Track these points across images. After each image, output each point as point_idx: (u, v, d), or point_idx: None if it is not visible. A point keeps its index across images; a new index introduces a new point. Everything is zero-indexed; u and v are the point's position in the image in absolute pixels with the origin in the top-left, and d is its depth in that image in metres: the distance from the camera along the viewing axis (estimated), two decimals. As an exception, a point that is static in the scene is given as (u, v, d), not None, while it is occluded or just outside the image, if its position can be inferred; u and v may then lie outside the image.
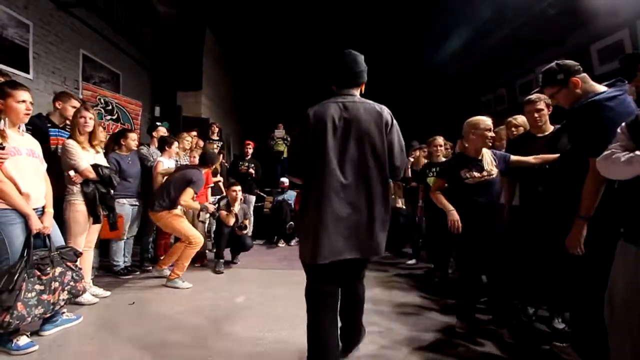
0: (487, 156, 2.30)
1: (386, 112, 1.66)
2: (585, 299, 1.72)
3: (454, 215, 2.23)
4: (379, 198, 1.60)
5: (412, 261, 4.45)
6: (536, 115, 2.39)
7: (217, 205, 4.04)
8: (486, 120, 2.28)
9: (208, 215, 3.50)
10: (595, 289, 1.53)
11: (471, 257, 2.28)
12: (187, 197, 3.17)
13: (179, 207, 3.32)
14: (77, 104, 2.91)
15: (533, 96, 2.37)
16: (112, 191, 2.82)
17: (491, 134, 2.27)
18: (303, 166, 1.63)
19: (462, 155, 2.38)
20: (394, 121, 1.69)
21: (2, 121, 1.89)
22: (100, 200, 2.62)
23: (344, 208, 1.54)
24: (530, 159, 2.27)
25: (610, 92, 1.65)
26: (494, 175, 2.23)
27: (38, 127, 2.72)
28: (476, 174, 2.22)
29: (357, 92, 1.72)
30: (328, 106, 1.62)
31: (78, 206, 2.56)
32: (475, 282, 2.35)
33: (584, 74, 1.79)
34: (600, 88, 1.73)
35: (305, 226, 1.59)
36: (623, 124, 1.38)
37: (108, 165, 2.78)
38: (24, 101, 1.96)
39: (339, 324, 1.76)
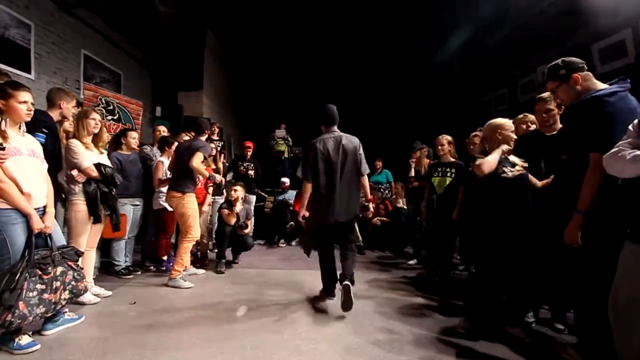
0: (512, 156, 2.33)
1: (357, 141, 2.83)
2: (590, 299, 1.71)
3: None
4: (355, 191, 2.83)
5: (413, 261, 4.44)
6: (545, 115, 2.40)
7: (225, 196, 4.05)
8: (509, 122, 2.34)
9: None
10: (601, 289, 1.52)
11: (498, 256, 2.21)
12: (198, 160, 3.17)
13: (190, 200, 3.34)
14: (75, 103, 2.90)
15: (545, 95, 2.37)
16: (114, 191, 2.82)
17: (514, 135, 2.31)
18: (312, 174, 2.75)
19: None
20: (360, 145, 2.84)
21: (4, 121, 1.90)
22: (101, 200, 2.62)
23: (339, 196, 2.72)
24: (538, 183, 2.33)
25: (610, 89, 1.66)
26: (526, 169, 2.26)
27: (50, 127, 2.67)
28: (511, 168, 2.22)
29: (336, 127, 2.84)
30: (327, 140, 2.77)
31: (80, 206, 2.57)
32: (496, 281, 2.27)
33: (588, 72, 1.80)
34: (602, 86, 1.73)
35: (318, 205, 2.79)
36: (635, 121, 1.38)
37: (110, 165, 2.79)
38: (25, 102, 1.96)
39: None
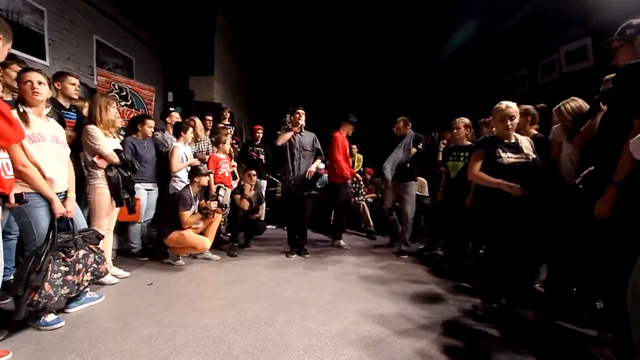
0: (525, 141, 2.28)
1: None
2: (619, 289, 1.51)
3: (510, 185, 2.11)
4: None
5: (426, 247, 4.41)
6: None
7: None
8: (509, 105, 2.25)
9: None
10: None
11: (503, 243, 2.22)
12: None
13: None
14: (75, 80, 2.86)
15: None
16: (131, 176, 2.92)
17: (510, 122, 2.22)
18: None
19: (495, 137, 2.34)
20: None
21: (22, 107, 1.94)
22: (123, 185, 2.74)
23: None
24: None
25: None
26: (530, 160, 2.20)
27: (57, 113, 2.75)
28: (511, 155, 2.18)
29: None
30: None
31: (102, 190, 2.68)
32: (503, 264, 2.27)
33: None
34: None
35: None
36: None
37: (121, 149, 2.85)
38: (29, 81, 1.95)
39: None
